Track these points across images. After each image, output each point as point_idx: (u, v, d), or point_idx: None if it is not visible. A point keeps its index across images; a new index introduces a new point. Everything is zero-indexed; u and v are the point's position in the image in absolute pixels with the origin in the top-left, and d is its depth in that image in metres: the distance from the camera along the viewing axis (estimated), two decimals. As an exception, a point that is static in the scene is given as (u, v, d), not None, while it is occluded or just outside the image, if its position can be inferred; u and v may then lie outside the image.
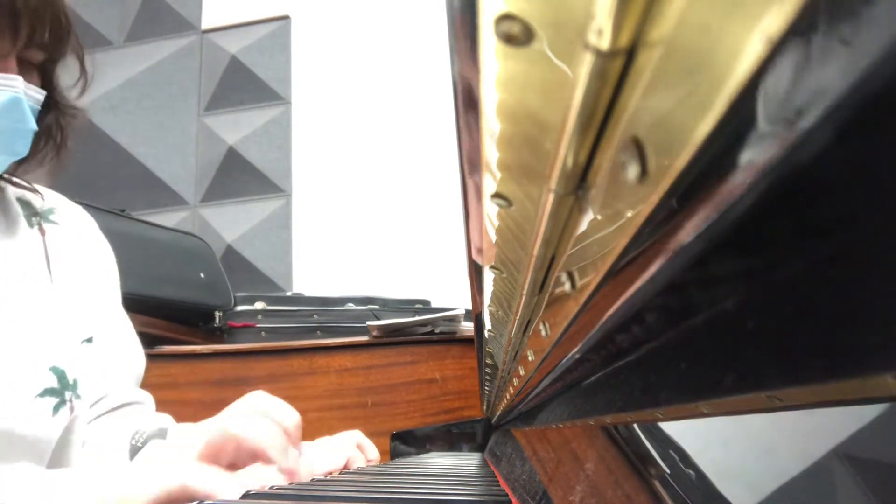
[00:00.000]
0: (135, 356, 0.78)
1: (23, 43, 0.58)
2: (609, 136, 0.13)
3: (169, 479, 0.47)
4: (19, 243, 0.66)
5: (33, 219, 0.70)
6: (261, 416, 0.55)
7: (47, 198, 0.73)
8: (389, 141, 2.30)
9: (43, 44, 0.60)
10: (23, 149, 0.61)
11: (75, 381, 0.64)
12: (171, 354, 1.25)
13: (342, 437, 0.73)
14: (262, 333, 1.49)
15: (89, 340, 0.69)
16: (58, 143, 0.68)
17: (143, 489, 0.46)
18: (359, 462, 0.71)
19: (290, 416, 0.57)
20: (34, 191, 0.71)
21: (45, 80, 0.65)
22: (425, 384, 1.30)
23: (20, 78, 0.58)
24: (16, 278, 0.64)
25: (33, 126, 0.60)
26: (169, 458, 0.59)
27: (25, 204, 0.70)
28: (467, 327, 1.37)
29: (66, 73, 0.68)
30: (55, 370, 0.62)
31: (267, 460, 0.53)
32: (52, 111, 0.67)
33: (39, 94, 0.61)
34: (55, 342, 0.64)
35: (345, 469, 0.69)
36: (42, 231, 0.69)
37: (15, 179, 0.69)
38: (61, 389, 0.62)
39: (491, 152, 0.16)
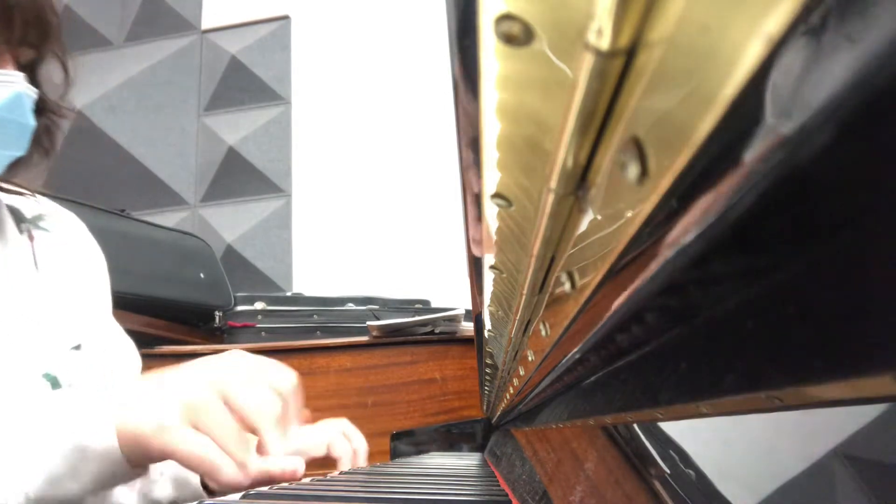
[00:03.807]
0: (129, 364, 0.76)
1: (17, 40, 0.57)
2: (609, 136, 0.13)
3: (145, 425, 0.45)
4: (8, 249, 0.65)
5: (22, 225, 0.68)
6: (259, 382, 0.50)
7: (37, 203, 0.71)
8: (389, 141, 2.30)
9: (33, 42, 0.59)
10: (22, 146, 0.60)
11: (69, 388, 0.62)
12: (171, 354, 1.24)
13: (325, 423, 0.71)
14: (262, 333, 1.49)
15: (77, 348, 0.67)
16: (45, 145, 0.67)
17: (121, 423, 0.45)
18: (340, 446, 0.68)
19: (289, 382, 0.52)
20: (24, 194, 0.70)
21: (32, 79, 0.63)
22: (425, 384, 1.30)
23: (21, 74, 0.58)
24: (4, 284, 0.63)
25: (32, 122, 0.59)
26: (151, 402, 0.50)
27: (14, 211, 0.69)
28: (467, 327, 1.37)
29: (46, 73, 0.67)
30: (48, 377, 0.61)
31: (258, 435, 0.49)
32: (41, 115, 0.65)
33: (33, 92, 0.61)
34: (46, 348, 0.62)
35: (327, 455, 0.67)
36: (31, 237, 0.68)
37: (5, 185, 0.68)
38: None
39: (491, 152, 0.16)
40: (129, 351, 0.77)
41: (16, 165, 0.64)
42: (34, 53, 0.61)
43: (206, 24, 2.52)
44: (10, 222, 0.67)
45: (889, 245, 0.09)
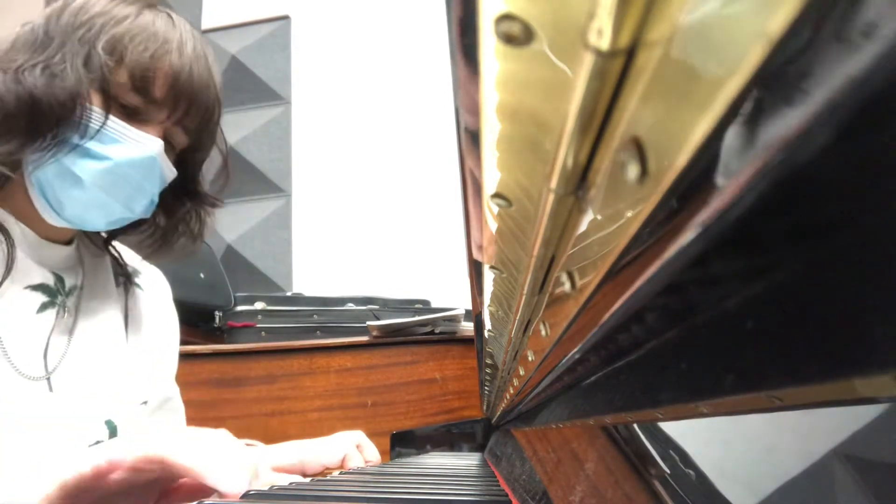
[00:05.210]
0: (176, 420, 0.80)
1: (176, 119, 0.60)
2: (609, 136, 0.13)
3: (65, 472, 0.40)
4: (106, 300, 0.69)
5: (120, 278, 0.72)
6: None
7: (131, 261, 0.75)
8: (389, 141, 2.30)
9: (190, 129, 0.62)
10: (140, 210, 0.61)
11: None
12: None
13: (342, 435, 0.74)
14: (262, 333, 1.49)
15: (145, 403, 0.71)
16: (195, 233, 0.70)
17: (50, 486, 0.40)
18: (356, 461, 0.71)
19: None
20: (117, 257, 0.74)
21: (188, 168, 0.66)
22: (425, 384, 1.30)
23: (160, 142, 0.59)
24: (97, 332, 0.67)
25: (157, 191, 0.61)
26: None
27: (117, 263, 0.73)
28: (467, 327, 1.37)
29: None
30: (109, 424, 0.64)
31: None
32: (192, 201, 0.69)
33: (171, 172, 0.63)
34: (117, 398, 0.66)
35: (341, 468, 0.70)
36: (126, 291, 0.72)
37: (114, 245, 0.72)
38: None
39: (491, 152, 0.16)
40: (178, 409, 0.81)
41: (132, 237, 0.68)
42: (188, 141, 0.63)
43: (206, 24, 2.52)
44: (110, 275, 0.71)
45: (888, 245, 0.09)
